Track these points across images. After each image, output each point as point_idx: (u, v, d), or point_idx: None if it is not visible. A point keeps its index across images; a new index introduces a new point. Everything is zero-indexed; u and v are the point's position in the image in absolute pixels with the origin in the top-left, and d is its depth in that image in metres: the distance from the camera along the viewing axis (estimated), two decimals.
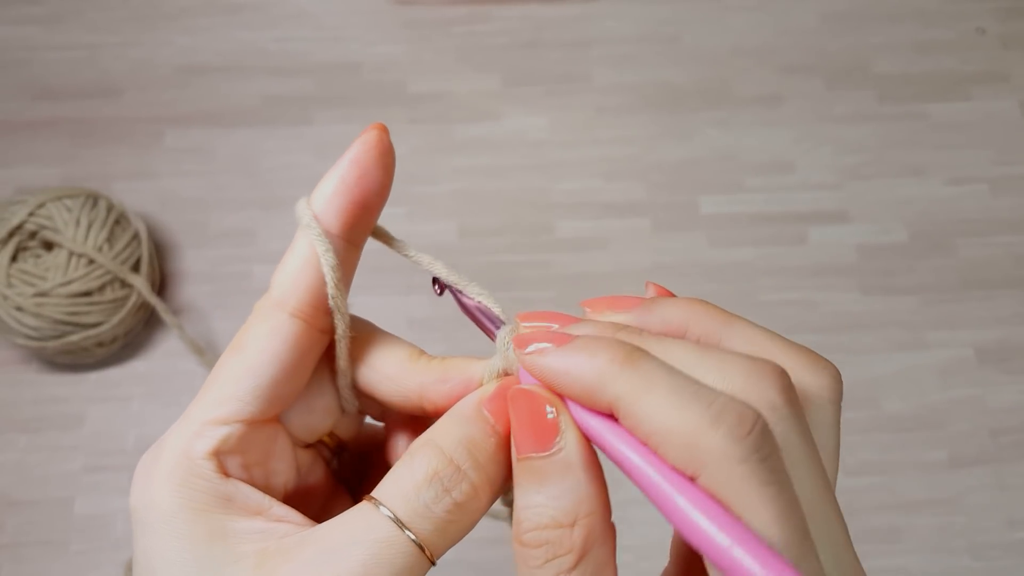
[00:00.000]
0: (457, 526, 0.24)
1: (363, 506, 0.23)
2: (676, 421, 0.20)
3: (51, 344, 0.69)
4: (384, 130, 0.26)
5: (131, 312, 0.72)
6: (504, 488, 0.25)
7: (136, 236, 0.74)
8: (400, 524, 0.22)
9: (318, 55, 0.90)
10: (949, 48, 0.91)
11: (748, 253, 0.80)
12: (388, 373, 0.27)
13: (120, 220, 0.73)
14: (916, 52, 0.91)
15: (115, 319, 0.71)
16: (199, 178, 0.83)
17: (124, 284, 0.72)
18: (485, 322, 0.28)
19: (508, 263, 0.79)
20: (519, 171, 0.84)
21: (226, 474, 0.24)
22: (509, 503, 0.27)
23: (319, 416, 0.28)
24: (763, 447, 0.19)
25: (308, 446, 0.29)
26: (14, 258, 0.71)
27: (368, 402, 0.29)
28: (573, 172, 0.84)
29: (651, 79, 0.89)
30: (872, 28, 0.92)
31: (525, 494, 0.23)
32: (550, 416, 0.23)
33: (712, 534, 0.19)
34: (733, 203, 0.83)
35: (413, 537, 0.23)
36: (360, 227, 0.27)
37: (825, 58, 0.90)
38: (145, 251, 0.73)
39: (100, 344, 0.72)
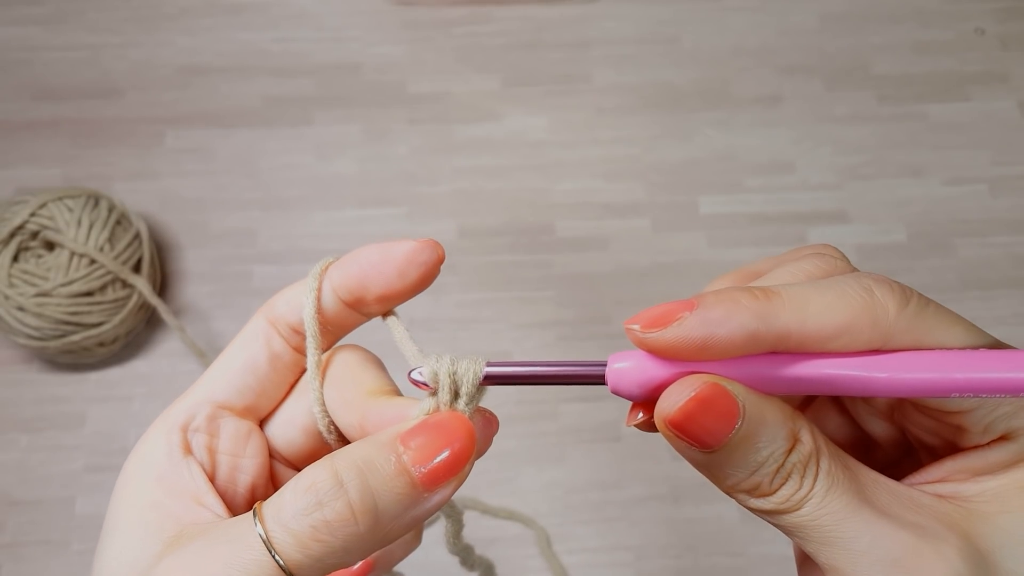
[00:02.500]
0: (323, 547, 0.22)
1: (245, 516, 0.23)
2: (848, 310, 0.22)
3: (52, 344, 0.70)
4: (429, 247, 0.26)
5: (132, 312, 0.72)
6: (396, 534, 0.23)
7: (137, 236, 0.74)
8: (267, 542, 0.22)
9: (319, 56, 0.90)
10: (948, 49, 0.91)
11: (748, 253, 0.80)
12: (345, 399, 0.27)
13: (121, 220, 0.74)
14: (915, 53, 0.91)
15: (116, 319, 0.71)
16: (200, 178, 0.83)
17: (125, 284, 0.72)
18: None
19: (508, 263, 0.80)
20: (519, 171, 0.84)
21: (188, 451, 0.26)
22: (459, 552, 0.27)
23: (298, 433, 0.28)
24: (910, 288, 0.23)
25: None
26: (16, 258, 0.71)
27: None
28: (573, 172, 0.84)
29: (651, 80, 0.89)
30: (871, 29, 0.92)
31: (742, 466, 0.22)
32: (727, 388, 0.22)
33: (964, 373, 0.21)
34: (733, 203, 0.83)
35: (280, 561, 0.22)
36: (365, 307, 0.27)
37: (825, 59, 0.91)
38: (146, 251, 0.74)
39: (101, 344, 0.72)
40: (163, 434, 0.26)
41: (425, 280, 0.26)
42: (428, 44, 0.91)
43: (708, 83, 0.89)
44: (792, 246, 0.86)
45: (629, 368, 0.23)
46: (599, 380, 0.24)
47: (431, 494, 0.23)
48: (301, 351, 0.28)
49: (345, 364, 0.28)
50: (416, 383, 0.25)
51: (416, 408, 0.25)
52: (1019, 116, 0.88)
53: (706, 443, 0.22)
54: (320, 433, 0.28)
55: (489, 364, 0.25)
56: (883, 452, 0.28)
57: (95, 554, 0.25)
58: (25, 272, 0.70)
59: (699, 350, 0.22)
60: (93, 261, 0.70)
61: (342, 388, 0.27)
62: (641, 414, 0.24)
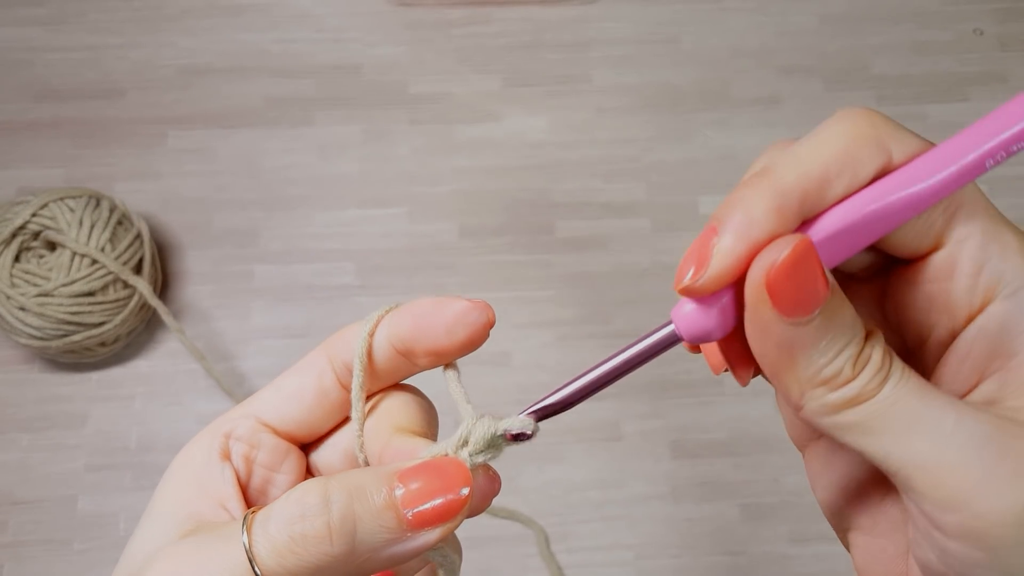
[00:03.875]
0: (296, 560, 0.22)
1: (239, 521, 0.23)
2: (841, 142, 0.23)
3: (54, 344, 0.70)
4: (475, 308, 0.26)
5: (133, 312, 0.72)
6: (373, 566, 0.23)
7: (138, 236, 0.74)
8: (248, 546, 0.22)
9: (319, 56, 0.90)
10: (947, 49, 0.91)
11: None
12: (377, 430, 0.27)
13: (123, 220, 0.74)
14: (914, 53, 0.91)
15: (118, 319, 0.71)
16: (201, 178, 0.83)
17: (127, 284, 0.72)
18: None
19: (508, 263, 0.80)
20: (519, 171, 0.84)
21: (227, 457, 0.27)
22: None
23: (339, 457, 0.29)
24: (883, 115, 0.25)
25: None
26: (17, 258, 0.71)
27: None
28: (573, 172, 0.84)
29: (650, 80, 0.90)
30: (871, 29, 0.92)
31: (833, 343, 0.22)
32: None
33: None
34: None
35: (256, 568, 0.22)
36: (415, 358, 0.27)
37: (824, 59, 0.91)
38: (147, 251, 0.74)
39: (103, 344, 0.72)
40: (207, 437, 0.27)
41: (473, 342, 0.26)
42: (428, 45, 0.91)
43: (708, 83, 0.89)
44: None
45: (695, 305, 0.23)
46: (671, 341, 0.23)
47: (415, 535, 0.23)
48: (346, 385, 0.28)
49: (391, 400, 0.28)
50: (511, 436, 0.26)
51: (426, 450, 0.25)
52: None
53: (803, 306, 0.21)
54: (356, 460, 0.29)
55: (534, 412, 0.26)
56: None
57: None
58: (27, 272, 0.70)
59: (748, 257, 0.21)
60: (94, 261, 0.70)
61: (374, 421, 0.28)
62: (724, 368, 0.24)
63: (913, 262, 0.24)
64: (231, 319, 0.77)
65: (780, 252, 0.21)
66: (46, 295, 0.69)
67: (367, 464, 0.28)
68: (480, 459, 0.25)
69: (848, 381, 0.22)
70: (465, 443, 0.25)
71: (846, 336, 0.22)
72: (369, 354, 0.27)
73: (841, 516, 0.27)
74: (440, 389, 0.29)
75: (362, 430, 0.28)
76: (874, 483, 0.26)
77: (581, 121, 0.87)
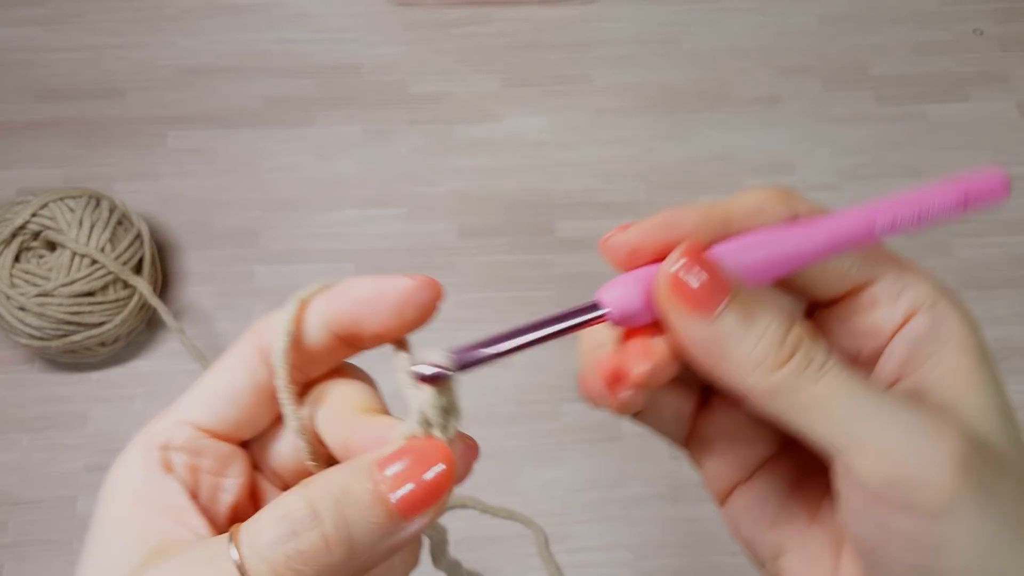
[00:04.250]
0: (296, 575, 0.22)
1: (222, 538, 0.23)
2: (754, 195, 0.27)
3: (54, 344, 0.70)
4: (422, 284, 0.25)
5: (134, 312, 0.72)
6: (374, 561, 0.23)
7: (138, 237, 0.74)
8: (242, 568, 0.21)
9: (319, 56, 0.90)
10: (947, 49, 0.91)
11: None
12: (332, 417, 0.26)
13: (122, 221, 0.74)
14: (914, 53, 0.91)
15: (118, 319, 0.71)
16: (201, 179, 0.83)
17: (127, 284, 0.72)
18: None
19: (508, 263, 0.80)
20: (519, 171, 0.84)
21: (169, 469, 0.25)
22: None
23: (289, 451, 0.28)
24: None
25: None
26: (17, 258, 0.71)
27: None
28: (573, 172, 0.84)
29: (650, 80, 0.90)
30: (870, 29, 0.92)
31: (753, 323, 0.23)
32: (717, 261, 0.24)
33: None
34: None
35: None
36: (353, 339, 0.26)
37: (824, 59, 0.91)
38: (147, 252, 0.74)
39: (103, 344, 0.72)
40: (141, 452, 0.26)
41: (423, 320, 0.26)
42: (428, 45, 0.91)
43: (707, 84, 0.89)
44: None
45: (620, 287, 0.25)
46: (594, 318, 0.25)
47: (408, 523, 0.22)
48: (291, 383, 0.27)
49: (335, 383, 0.27)
50: (424, 378, 0.25)
51: (396, 430, 0.24)
52: (1018, 117, 0.88)
53: (713, 297, 0.23)
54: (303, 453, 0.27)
55: (456, 352, 0.25)
56: None
57: (75, 568, 0.25)
58: (26, 272, 0.70)
59: (665, 240, 0.25)
60: (94, 261, 0.70)
61: (329, 406, 0.27)
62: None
63: (834, 303, 0.27)
64: (231, 319, 0.77)
65: (675, 254, 0.24)
66: (46, 295, 0.69)
67: (319, 452, 0.27)
68: (452, 430, 0.24)
69: (783, 363, 0.23)
70: (428, 421, 0.24)
71: (767, 316, 0.23)
72: (299, 342, 0.26)
73: (771, 546, 0.28)
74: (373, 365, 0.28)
75: (299, 428, 0.26)
76: (803, 505, 0.28)
77: (581, 121, 0.87)
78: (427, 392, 0.24)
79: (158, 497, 0.25)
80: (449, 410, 0.24)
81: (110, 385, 0.74)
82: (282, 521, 0.22)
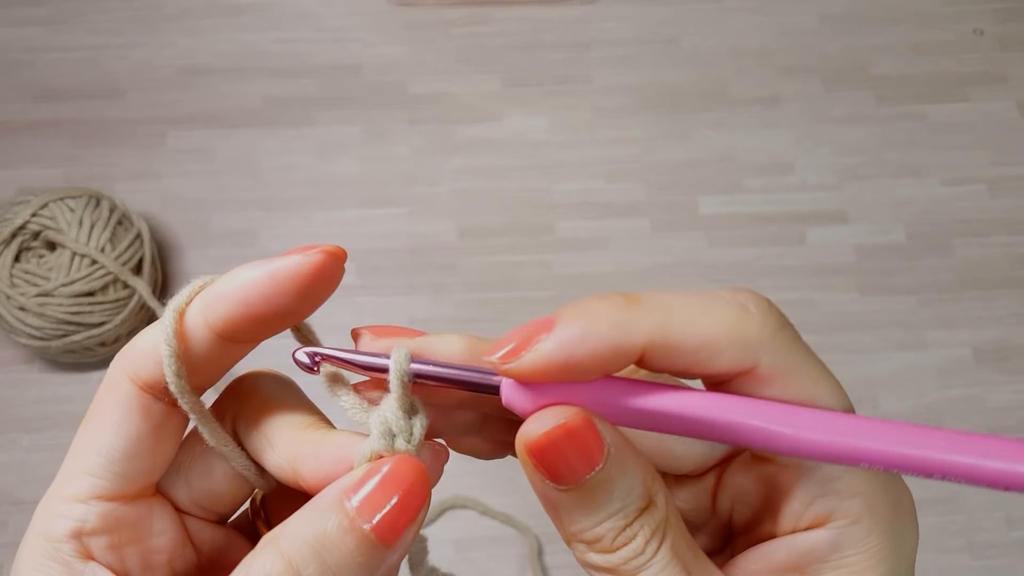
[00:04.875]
0: None
1: None
2: (714, 323, 0.21)
3: (54, 344, 0.70)
4: (331, 257, 0.22)
5: (134, 312, 0.72)
6: None
7: (138, 236, 0.74)
8: None
9: (319, 56, 0.90)
10: (947, 49, 0.91)
11: (747, 253, 0.80)
12: (271, 439, 0.23)
13: (122, 220, 0.74)
14: (914, 53, 0.91)
15: (118, 319, 0.71)
16: (201, 179, 0.83)
17: (126, 284, 0.72)
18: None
19: (508, 263, 0.80)
20: (519, 171, 0.84)
21: (89, 556, 0.22)
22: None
23: (222, 484, 0.25)
24: (786, 318, 0.22)
25: (223, 522, 0.26)
26: (17, 258, 0.71)
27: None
28: (573, 172, 0.84)
29: (650, 80, 0.90)
30: (870, 29, 0.92)
31: (592, 514, 0.21)
32: (596, 427, 0.21)
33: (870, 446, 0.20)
34: (732, 203, 0.83)
35: None
36: (250, 334, 0.23)
37: (824, 59, 0.91)
38: (147, 251, 0.74)
39: (103, 344, 0.72)
40: (44, 548, 0.22)
41: (329, 293, 0.23)
42: (428, 45, 0.91)
43: (708, 83, 0.89)
44: (792, 246, 0.87)
45: (520, 396, 0.22)
46: (492, 391, 0.23)
47: (392, 550, 0.21)
48: (174, 402, 0.24)
49: (255, 396, 0.24)
50: (301, 365, 0.23)
51: (358, 450, 0.22)
52: (1018, 116, 0.88)
53: (563, 478, 0.21)
54: (236, 477, 0.25)
55: (415, 361, 0.23)
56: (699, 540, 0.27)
57: None
58: (27, 272, 0.70)
59: (563, 371, 0.21)
60: (94, 261, 0.70)
61: (262, 427, 0.24)
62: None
63: (753, 458, 0.24)
64: None
65: (540, 427, 0.21)
66: (46, 295, 0.69)
67: (259, 478, 0.25)
68: (418, 435, 0.22)
69: (607, 551, 0.21)
70: (391, 433, 0.22)
71: (612, 507, 0.21)
72: (187, 354, 0.22)
73: None
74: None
75: (239, 449, 0.24)
76: None
77: (581, 121, 0.87)
78: (390, 398, 0.22)
79: None
80: (413, 413, 0.23)
81: None
82: None
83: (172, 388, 0.22)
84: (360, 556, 0.20)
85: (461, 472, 0.66)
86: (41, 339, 0.70)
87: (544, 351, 0.20)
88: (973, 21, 0.93)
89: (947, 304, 0.79)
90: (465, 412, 0.25)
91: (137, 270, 0.73)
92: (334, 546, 0.20)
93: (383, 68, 0.90)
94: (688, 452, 0.25)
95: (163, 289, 0.78)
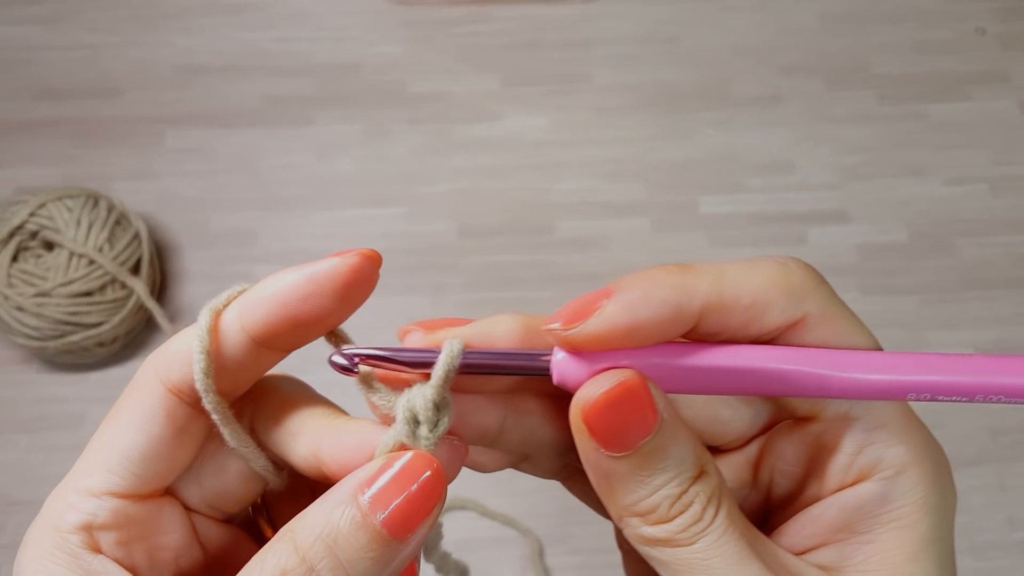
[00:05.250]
0: None
1: None
2: (762, 278, 0.22)
3: (52, 344, 0.69)
4: (368, 260, 0.23)
5: (132, 312, 0.72)
6: None
7: (137, 236, 0.74)
8: None
9: (318, 55, 0.90)
10: (949, 48, 0.91)
11: (748, 253, 0.80)
12: (295, 432, 0.24)
13: (121, 220, 0.73)
14: (916, 52, 0.91)
15: (116, 319, 0.71)
16: (200, 178, 0.83)
17: (124, 284, 0.72)
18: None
19: (508, 263, 0.80)
20: (519, 171, 0.84)
21: (96, 550, 0.22)
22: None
23: (235, 483, 0.25)
24: (820, 273, 0.23)
25: (224, 521, 0.26)
26: (15, 258, 0.71)
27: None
28: (573, 172, 0.84)
29: (651, 79, 0.89)
30: (872, 28, 0.92)
31: (647, 481, 0.21)
32: (652, 394, 0.21)
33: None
34: (733, 203, 0.83)
35: None
36: (286, 340, 0.23)
37: (825, 58, 0.90)
38: (146, 251, 0.74)
39: (101, 344, 0.72)
40: (52, 539, 0.22)
41: (366, 297, 0.23)
42: (428, 44, 0.91)
43: (708, 83, 0.89)
44: (792, 246, 0.87)
45: (577, 359, 0.22)
46: (542, 371, 0.22)
47: (405, 544, 0.21)
48: (201, 408, 0.24)
49: (275, 394, 0.25)
50: (338, 367, 0.23)
51: (380, 440, 0.22)
52: (1019, 116, 0.87)
53: (618, 443, 0.21)
54: (250, 474, 0.25)
55: (473, 350, 0.23)
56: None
57: None
58: (24, 272, 0.70)
59: (625, 336, 0.21)
60: (92, 261, 0.70)
61: (283, 422, 0.24)
62: None
63: (796, 422, 0.24)
64: None
65: (599, 388, 0.21)
66: (44, 295, 0.69)
67: (280, 471, 0.25)
68: (441, 429, 0.22)
69: (663, 521, 0.21)
70: (416, 421, 0.22)
71: (667, 474, 0.21)
72: (219, 358, 0.22)
73: None
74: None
75: (257, 449, 0.24)
76: None
77: (581, 121, 0.87)
78: (424, 387, 0.22)
79: None
80: (442, 407, 0.22)
81: (108, 385, 0.74)
82: None
83: (198, 385, 0.22)
84: (372, 551, 0.20)
85: (462, 474, 0.66)
86: (39, 339, 0.69)
87: (608, 314, 0.21)
88: (975, 20, 0.92)
89: (949, 304, 0.78)
90: (486, 414, 0.25)
91: (135, 270, 0.73)
92: (347, 541, 0.20)
93: (382, 67, 0.89)
94: (734, 417, 0.25)
95: (161, 289, 0.78)
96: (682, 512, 0.21)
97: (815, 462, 0.24)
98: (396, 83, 0.88)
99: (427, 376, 0.23)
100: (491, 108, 0.87)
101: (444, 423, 0.22)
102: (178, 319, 0.76)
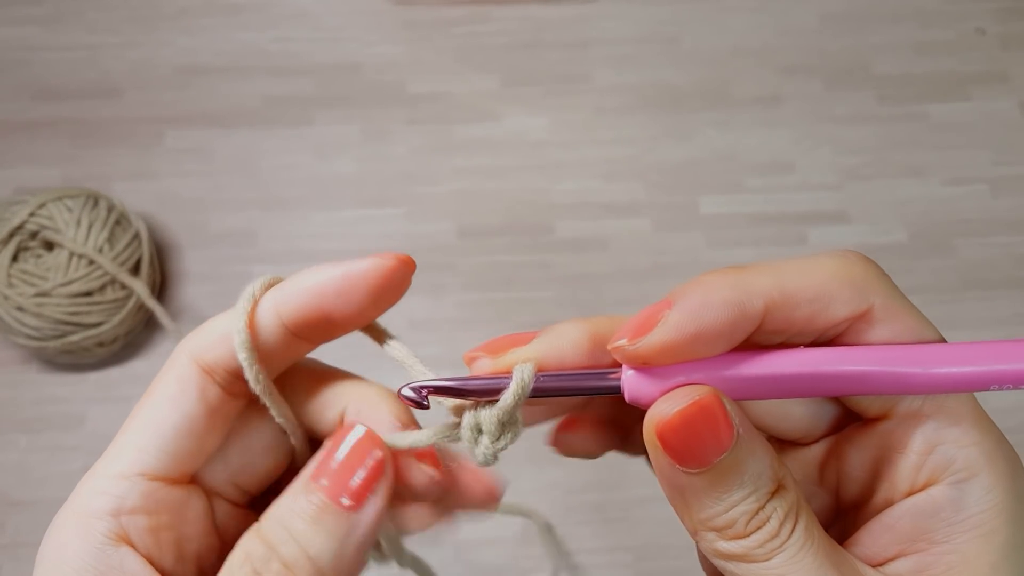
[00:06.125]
0: None
1: None
2: (825, 270, 0.21)
3: (52, 344, 0.69)
4: (403, 264, 0.23)
5: (131, 312, 0.72)
6: (353, 565, 0.22)
7: (137, 236, 0.74)
8: None
9: (318, 55, 0.90)
10: (949, 48, 0.91)
11: (748, 253, 0.80)
12: (323, 400, 0.25)
13: (121, 220, 0.73)
14: (916, 53, 0.91)
15: (115, 319, 0.71)
16: (199, 178, 0.83)
17: (124, 285, 0.72)
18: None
19: (508, 263, 0.80)
20: (519, 171, 0.84)
21: (122, 538, 0.22)
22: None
23: (258, 456, 0.25)
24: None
25: (243, 506, 0.27)
26: (15, 258, 0.71)
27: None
28: (573, 172, 0.84)
29: (651, 79, 0.89)
30: (872, 29, 0.92)
31: (724, 497, 0.21)
32: (728, 410, 0.21)
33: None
34: (733, 203, 0.83)
35: None
36: (318, 332, 0.24)
37: (825, 59, 0.90)
38: (146, 251, 0.74)
39: (100, 344, 0.72)
40: (80, 524, 0.22)
41: (398, 299, 0.24)
42: (428, 44, 0.91)
43: (708, 83, 0.89)
44: (792, 246, 0.86)
45: (649, 376, 0.22)
46: (613, 390, 0.22)
47: (358, 514, 0.21)
48: (241, 396, 0.24)
49: (302, 369, 0.26)
50: (408, 401, 0.23)
51: (425, 435, 0.23)
52: (1020, 116, 0.87)
53: (694, 460, 0.21)
54: (274, 447, 0.26)
55: (544, 374, 0.23)
56: None
57: None
58: (24, 272, 0.70)
59: (693, 343, 0.21)
60: (92, 261, 0.70)
61: (320, 393, 0.25)
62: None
63: (866, 423, 0.24)
64: None
65: (673, 406, 0.21)
66: (44, 295, 0.69)
67: (307, 450, 0.26)
68: (502, 444, 0.23)
69: (740, 536, 0.21)
70: (479, 430, 0.23)
71: (744, 490, 0.21)
72: (254, 343, 0.23)
73: None
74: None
75: (298, 425, 0.25)
76: None
77: (581, 121, 0.87)
78: (503, 402, 0.22)
79: None
80: (508, 424, 0.23)
81: (108, 386, 0.74)
82: (243, 567, 0.21)
83: (240, 356, 0.23)
84: (322, 523, 0.21)
85: None
86: (39, 339, 0.69)
87: (672, 322, 0.21)
88: (975, 20, 0.92)
89: (949, 304, 0.78)
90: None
91: (135, 270, 0.73)
92: (297, 517, 0.21)
93: (382, 67, 0.89)
94: (804, 414, 0.25)
95: (161, 289, 0.78)
96: (759, 527, 0.21)
97: (884, 463, 0.23)
98: (396, 83, 0.88)
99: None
100: (491, 108, 0.87)
101: (505, 442, 0.23)
102: (179, 319, 0.76)
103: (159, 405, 0.23)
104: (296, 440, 0.25)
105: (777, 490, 0.21)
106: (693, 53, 0.91)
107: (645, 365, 0.21)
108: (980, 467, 0.22)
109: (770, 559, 0.21)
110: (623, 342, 0.21)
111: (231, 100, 0.87)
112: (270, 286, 0.24)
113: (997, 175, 0.85)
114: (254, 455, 0.25)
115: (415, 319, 0.76)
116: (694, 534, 0.22)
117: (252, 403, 0.25)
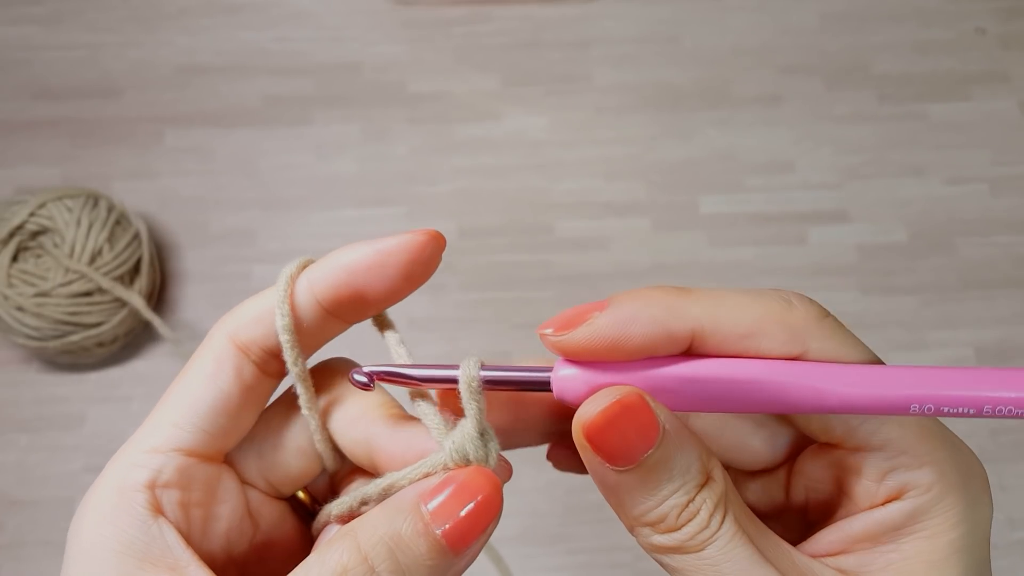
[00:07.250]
0: None
1: None
2: (762, 310, 0.22)
3: (52, 344, 0.69)
4: (433, 240, 0.24)
5: (131, 312, 0.72)
6: None
7: (136, 236, 0.74)
8: None
9: (318, 55, 0.90)
10: (949, 48, 0.91)
11: (748, 253, 0.80)
12: (354, 418, 0.25)
13: (121, 220, 0.73)
14: (916, 52, 0.91)
15: (115, 319, 0.71)
16: (199, 178, 0.83)
17: (124, 285, 0.72)
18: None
19: (508, 263, 0.80)
20: (519, 171, 0.84)
21: (159, 511, 0.23)
22: None
23: (294, 458, 0.26)
24: (825, 308, 0.23)
25: (282, 498, 0.27)
26: (15, 258, 0.71)
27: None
28: (573, 172, 0.84)
29: (651, 79, 0.89)
30: (872, 28, 0.92)
31: (654, 492, 0.22)
32: (651, 406, 0.21)
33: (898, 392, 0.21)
34: (733, 203, 0.83)
35: None
36: (352, 310, 0.25)
37: (825, 58, 0.90)
38: (145, 251, 0.74)
39: (100, 344, 0.72)
40: (117, 494, 0.22)
41: (429, 275, 0.24)
42: (428, 44, 0.91)
43: (708, 83, 0.89)
44: (792, 246, 0.87)
45: (575, 376, 0.22)
46: (544, 387, 0.23)
47: (460, 558, 0.22)
48: (275, 375, 0.25)
49: (339, 377, 0.26)
50: (357, 384, 0.24)
51: (436, 461, 0.23)
52: (1020, 116, 0.87)
53: (622, 458, 0.21)
54: (309, 452, 0.26)
55: (484, 368, 0.24)
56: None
57: None
58: (24, 272, 0.70)
59: (611, 349, 0.21)
60: (92, 261, 0.70)
61: (347, 405, 0.25)
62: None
63: (821, 446, 0.24)
64: None
65: (597, 406, 0.21)
66: (44, 295, 0.69)
67: (334, 455, 0.26)
68: (493, 455, 0.23)
69: (672, 529, 0.22)
70: (484, 434, 0.23)
71: (673, 484, 0.22)
72: (296, 323, 0.24)
73: None
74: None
75: (317, 412, 0.25)
76: None
77: (581, 121, 0.87)
78: (466, 425, 0.23)
79: (150, 551, 0.22)
80: (488, 438, 0.24)
81: (108, 385, 0.74)
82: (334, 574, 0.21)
83: (281, 337, 0.23)
84: (430, 560, 0.21)
85: None
86: (39, 339, 0.69)
87: (598, 325, 0.21)
88: (975, 20, 0.92)
89: (949, 304, 0.78)
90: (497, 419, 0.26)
91: (135, 270, 0.73)
92: (408, 547, 0.21)
93: (382, 67, 0.89)
94: (762, 446, 0.25)
95: (161, 289, 0.78)
96: (690, 520, 0.22)
97: (842, 485, 0.24)
98: (396, 83, 0.88)
99: (443, 391, 0.24)
100: (491, 108, 0.87)
101: (494, 453, 0.23)
102: (178, 318, 0.76)
103: (196, 382, 0.24)
104: (319, 442, 0.25)
105: (706, 482, 0.22)
106: (693, 53, 0.91)
107: (564, 357, 0.22)
108: (933, 483, 0.22)
109: (703, 549, 0.22)
110: (549, 331, 0.22)
111: (231, 100, 0.87)
112: (304, 267, 0.25)
113: (997, 175, 0.84)
114: (287, 453, 0.26)
115: (415, 318, 0.76)
116: (631, 531, 0.23)
117: (292, 404, 0.26)
